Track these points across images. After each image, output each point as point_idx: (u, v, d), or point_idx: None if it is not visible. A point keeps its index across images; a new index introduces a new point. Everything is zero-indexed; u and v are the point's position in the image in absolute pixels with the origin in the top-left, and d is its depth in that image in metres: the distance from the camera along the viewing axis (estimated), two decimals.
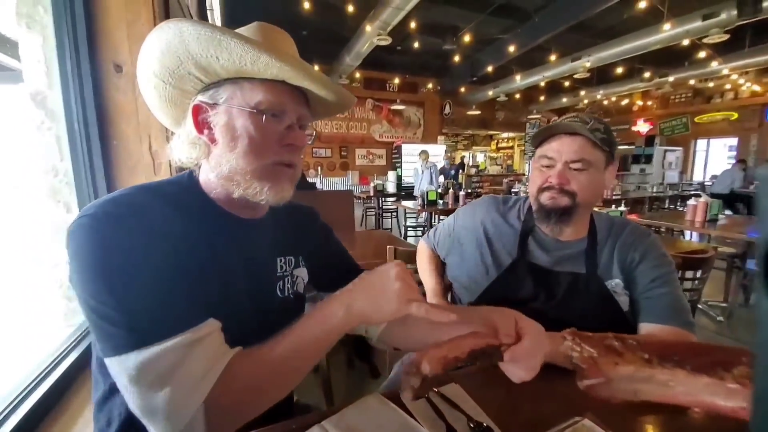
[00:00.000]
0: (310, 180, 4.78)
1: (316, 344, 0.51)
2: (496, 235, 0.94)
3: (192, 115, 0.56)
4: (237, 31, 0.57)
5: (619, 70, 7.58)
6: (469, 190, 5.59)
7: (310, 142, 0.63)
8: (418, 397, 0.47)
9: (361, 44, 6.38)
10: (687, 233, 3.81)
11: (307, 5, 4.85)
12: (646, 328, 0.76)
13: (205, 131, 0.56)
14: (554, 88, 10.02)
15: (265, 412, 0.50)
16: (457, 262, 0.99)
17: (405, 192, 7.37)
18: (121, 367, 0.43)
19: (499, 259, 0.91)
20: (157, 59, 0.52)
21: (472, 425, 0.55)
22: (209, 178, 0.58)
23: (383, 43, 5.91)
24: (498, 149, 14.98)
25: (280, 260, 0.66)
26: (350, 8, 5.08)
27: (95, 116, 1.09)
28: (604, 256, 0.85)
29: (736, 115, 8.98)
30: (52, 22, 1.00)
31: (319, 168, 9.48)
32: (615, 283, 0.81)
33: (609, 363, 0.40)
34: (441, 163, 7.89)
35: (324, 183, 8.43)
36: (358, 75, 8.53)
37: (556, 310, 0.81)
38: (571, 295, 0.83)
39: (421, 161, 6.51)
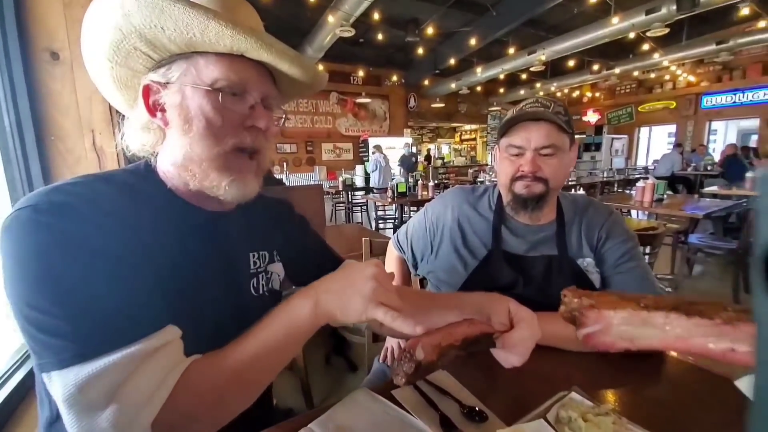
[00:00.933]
0: (276, 177, 4.62)
1: (281, 346, 0.47)
2: (470, 228, 0.94)
3: (143, 97, 0.50)
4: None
5: (571, 63, 7.99)
6: (437, 182, 5.69)
7: (279, 125, 0.57)
8: (410, 383, 0.46)
9: (323, 36, 6.23)
10: (633, 213, 4.12)
11: None
12: None
13: (158, 114, 0.50)
14: (512, 81, 10.39)
15: (244, 420, 0.46)
16: (432, 257, 0.98)
17: (377, 188, 7.33)
18: (60, 385, 0.37)
19: (475, 250, 0.91)
20: (99, 36, 0.47)
21: (464, 410, 0.55)
22: (167, 167, 0.52)
23: (346, 34, 5.80)
24: (462, 141, 15.34)
25: (253, 256, 0.62)
26: None
27: (29, 110, 0.96)
28: (573, 237, 0.88)
29: (674, 104, 9.78)
30: None
31: (285, 164, 9.19)
32: (587, 262, 0.84)
33: (607, 306, 0.41)
34: (398, 155, 8.07)
35: (290, 180, 8.18)
36: (321, 68, 8.29)
37: (535, 293, 0.83)
38: (547, 277, 0.85)
39: (378, 155, 6.95)
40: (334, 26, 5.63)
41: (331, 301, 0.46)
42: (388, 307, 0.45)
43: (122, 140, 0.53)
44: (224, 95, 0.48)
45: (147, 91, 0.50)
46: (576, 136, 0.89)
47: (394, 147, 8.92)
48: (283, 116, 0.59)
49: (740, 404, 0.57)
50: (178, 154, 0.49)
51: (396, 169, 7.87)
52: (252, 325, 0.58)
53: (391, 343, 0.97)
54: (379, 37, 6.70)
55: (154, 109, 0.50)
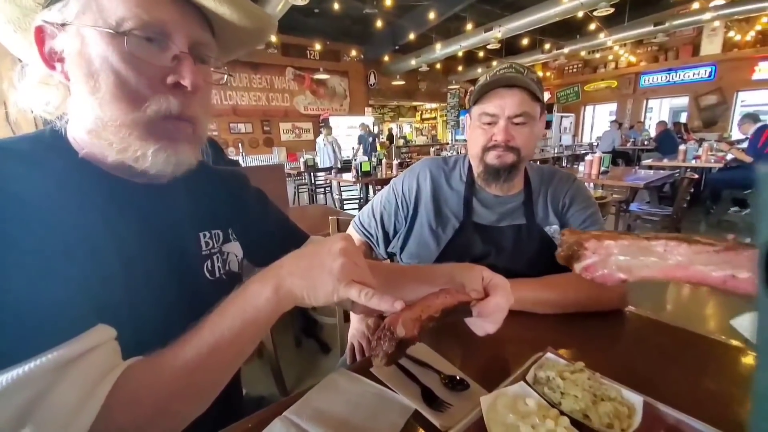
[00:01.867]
0: (231, 158, 4.34)
1: (237, 339, 0.39)
2: (442, 200, 0.93)
3: (36, 43, 0.40)
4: None
5: (525, 42, 8.18)
6: (400, 161, 5.69)
7: (222, 82, 0.47)
8: (392, 362, 0.44)
9: (274, 3, 5.80)
10: None
11: None
12: None
13: (57, 65, 0.41)
14: (470, 59, 10.47)
15: (210, 414, 0.40)
16: (404, 231, 0.96)
17: (342, 165, 7.18)
18: None
19: (447, 223, 0.90)
20: None
21: (445, 381, 0.55)
22: (78, 133, 0.43)
23: (300, 2, 5.44)
24: (423, 120, 15.39)
25: (204, 236, 0.55)
26: None
27: None
28: (539, 205, 0.90)
29: (616, 84, 10.44)
30: None
31: (240, 145, 8.67)
32: (554, 229, 0.87)
33: (607, 236, 0.41)
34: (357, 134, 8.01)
35: (247, 162, 7.73)
36: (274, 39, 7.81)
37: (507, 262, 0.84)
38: (517, 246, 0.86)
39: (323, 136, 7.01)
40: None
41: (296, 283, 0.40)
42: (362, 285, 0.40)
43: (18, 98, 0.43)
44: (134, 40, 0.38)
45: (40, 34, 0.40)
46: None
47: (354, 126, 8.70)
48: (226, 73, 0.49)
49: (701, 354, 0.62)
50: (88, 118, 0.40)
51: (349, 150, 7.80)
52: (204, 309, 0.52)
53: (356, 339, 0.95)
54: (336, 7, 6.38)
55: (50, 58, 0.41)
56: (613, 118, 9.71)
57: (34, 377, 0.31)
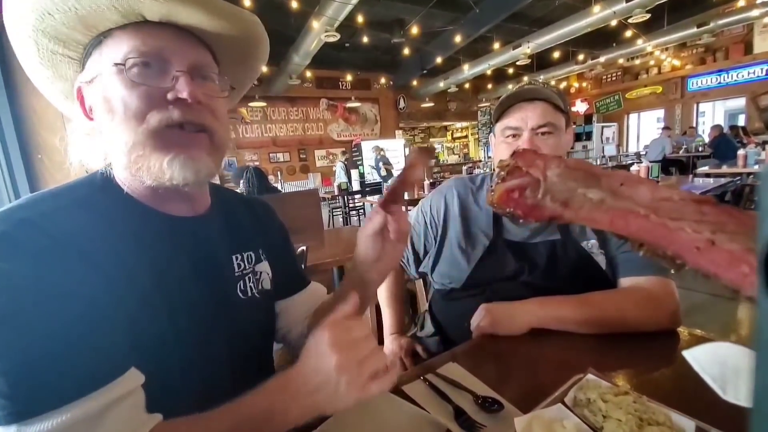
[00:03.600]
0: (272, 185, 4.61)
1: None
2: (471, 219, 0.92)
3: (79, 103, 0.47)
4: None
5: (556, 54, 8.04)
6: (432, 180, 5.70)
7: (224, 95, 0.50)
8: None
9: (309, 42, 6.23)
10: None
11: (248, 2, 4.64)
12: (627, 281, 0.78)
13: (92, 113, 0.47)
14: (500, 76, 10.43)
15: None
16: (434, 252, 0.97)
17: (369, 188, 7.36)
18: None
19: (477, 242, 0.90)
20: (24, 52, 0.45)
21: (478, 401, 0.53)
22: (119, 170, 0.48)
23: (331, 39, 5.80)
24: (454, 139, 15.37)
25: (236, 258, 0.58)
26: (294, 4, 4.93)
27: (13, 128, 0.94)
28: None
29: (660, 89, 9.86)
30: None
31: (279, 173, 9.16)
32: (591, 244, 0.83)
33: (546, 157, 0.31)
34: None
35: (285, 188, 8.14)
36: (309, 74, 8.32)
37: (543, 279, 0.82)
38: (552, 262, 0.83)
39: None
40: (319, 32, 5.63)
41: (319, 403, 0.39)
42: (376, 375, 0.38)
43: (71, 155, 0.49)
44: (133, 68, 0.43)
45: (80, 95, 0.47)
46: None
47: (387, 149, 8.99)
48: (228, 87, 0.52)
49: None
50: (114, 149, 0.45)
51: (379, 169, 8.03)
52: (244, 329, 0.55)
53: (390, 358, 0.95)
54: (365, 40, 6.72)
55: (89, 112, 0.47)
56: (662, 124, 9.12)
57: (74, 419, 0.34)
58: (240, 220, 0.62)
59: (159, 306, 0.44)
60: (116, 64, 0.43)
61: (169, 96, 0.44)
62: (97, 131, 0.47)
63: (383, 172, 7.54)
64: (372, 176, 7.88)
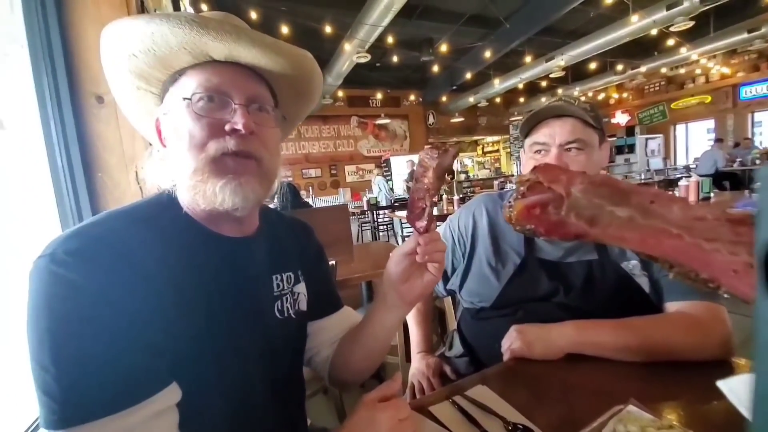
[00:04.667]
0: (305, 200, 4.76)
1: None
2: (501, 236, 0.90)
3: (156, 133, 0.53)
4: None
5: (593, 65, 7.80)
6: (461, 195, 5.63)
7: (276, 126, 0.55)
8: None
9: (341, 64, 6.48)
10: None
11: (285, 30, 4.94)
12: (673, 306, 0.73)
13: (166, 141, 0.53)
14: (532, 89, 10.27)
15: None
16: (463, 269, 0.95)
17: (398, 203, 7.39)
18: None
19: (507, 259, 0.87)
20: (121, 91, 0.53)
21: (509, 427, 0.51)
22: (182, 192, 0.52)
23: (363, 60, 6.01)
24: (484, 153, 15.17)
25: (276, 278, 0.60)
26: (327, 29, 5.17)
27: (78, 149, 1.05)
28: None
29: (709, 98, 9.24)
30: (29, 58, 0.97)
31: (310, 188, 9.46)
32: (632, 265, 0.78)
33: (570, 172, 0.30)
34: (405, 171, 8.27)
35: (316, 203, 8.38)
36: (341, 94, 8.64)
37: (579, 300, 0.78)
38: (589, 283, 0.79)
39: (374, 176, 7.53)
40: (351, 54, 5.85)
41: None
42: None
43: (147, 179, 0.56)
44: (199, 102, 0.48)
45: (158, 125, 0.53)
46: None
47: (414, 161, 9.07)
48: (280, 117, 0.57)
49: None
50: (178, 174, 0.50)
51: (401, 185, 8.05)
52: (278, 348, 0.57)
53: (416, 378, 0.94)
54: (395, 59, 6.89)
55: (164, 140, 0.53)
56: (712, 136, 8.51)
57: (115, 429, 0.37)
58: (282, 241, 0.64)
59: (201, 322, 0.47)
60: (185, 99, 0.48)
61: (227, 127, 0.48)
62: (168, 157, 0.52)
63: (409, 185, 7.57)
64: (403, 190, 7.86)
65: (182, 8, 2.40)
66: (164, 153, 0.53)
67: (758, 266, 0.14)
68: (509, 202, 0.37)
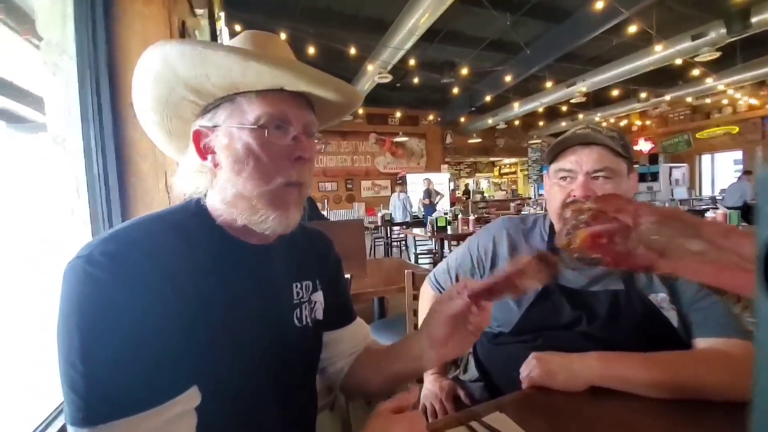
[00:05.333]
0: (322, 213, 4.81)
1: None
2: None
3: (194, 142, 0.52)
4: (227, 43, 0.54)
5: (615, 92, 7.75)
6: (477, 216, 5.59)
7: (321, 149, 0.58)
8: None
9: (363, 83, 6.66)
10: None
11: (312, 50, 5.14)
12: (703, 343, 0.69)
13: (209, 156, 0.52)
14: (552, 113, 10.24)
15: None
16: None
17: (412, 220, 7.38)
18: None
19: None
20: (149, 92, 0.50)
21: None
22: (215, 203, 0.53)
23: (384, 80, 6.16)
24: (501, 175, 15.10)
25: (296, 286, 0.61)
26: (352, 51, 5.36)
27: (114, 155, 1.11)
28: None
29: (737, 129, 9.01)
30: (75, 68, 1.04)
31: (326, 201, 9.57)
32: (661, 297, 0.75)
33: (635, 203, 0.30)
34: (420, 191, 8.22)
35: (331, 216, 8.46)
36: (361, 111, 8.84)
37: (603, 331, 0.75)
38: (614, 314, 0.76)
39: (396, 193, 7.40)
40: (373, 74, 6.02)
41: None
42: None
43: (176, 185, 0.55)
44: (270, 131, 0.49)
45: (197, 136, 0.52)
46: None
47: (437, 182, 9.05)
48: (323, 141, 0.60)
49: None
50: (228, 193, 0.50)
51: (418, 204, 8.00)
52: (295, 356, 0.57)
53: (429, 400, 0.91)
54: (416, 80, 7.03)
55: (204, 152, 0.52)
56: (739, 167, 8.24)
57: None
58: (302, 249, 0.65)
59: (222, 327, 0.48)
60: (253, 124, 0.49)
61: (293, 154, 0.50)
62: (209, 170, 0.52)
63: (425, 203, 7.49)
64: (417, 209, 7.79)
65: (218, 30, 2.53)
66: (200, 164, 0.53)
67: (758, 266, 0.15)
68: (566, 230, 0.37)
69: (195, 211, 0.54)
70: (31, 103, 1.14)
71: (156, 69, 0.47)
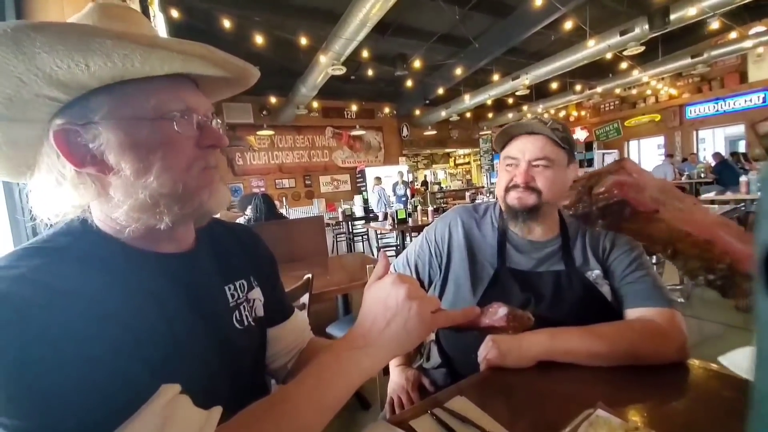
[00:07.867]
0: (280, 212, 4.66)
1: (339, 403, 0.44)
2: (476, 248, 0.93)
3: (58, 147, 0.42)
4: (70, 21, 0.44)
5: (554, 85, 8.31)
6: (435, 206, 5.74)
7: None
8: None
9: (315, 75, 6.51)
10: None
11: (260, 40, 4.91)
12: (632, 313, 0.78)
13: (89, 160, 0.42)
14: (500, 105, 10.75)
15: None
16: (439, 281, 0.97)
17: (373, 214, 7.43)
18: None
19: (483, 271, 0.90)
20: None
21: None
22: (111, 217, 0.45)
23: (338, 73, 6.06)
24: (456, 165, 15.61)
25: (229, 288, 0.57)
26: (303, 41, 5.20)
27: None
28: (578, 250, 0.88)
29: (659, 117, 10.07)
30: None
31: (284, 199, 9.29)
32: (596, 275, 0.83)
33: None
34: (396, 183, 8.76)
35: (290, 213, 8.22)
36: (316, 105, 8.63)
37: (549, 310, 0.82)
38: (558, 293, 0.84)
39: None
40: (326, 66, 5.90)
41: (393, 350, 0.46)
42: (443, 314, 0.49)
43: (39, 212, 0.45)
44: (177, 120, 0.44)
45: (62, 138, 0.42)
46: None
47: (390, 176, 9.20)
48: (223, 123, 0.54)
49: None
50: (140, 198, 0.43)
51: (393, 197, 8.44)
52: (240, 358, 0.55)
53: (396, 393, 0.94)
54: (370, 73, 7.00)
55: (79, 157, 0.42)
56: (662, 151, 9.23)
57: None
58: (228, 249, 0.62)
59: (161, 348, 0.43)
60: (155, 115, 0.43)
61: (205, 143, 0.47)
62: (94, 179, 0.43)
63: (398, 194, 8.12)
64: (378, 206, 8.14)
65: (151, 14, 2.33)
66: (81, 175, 0.43)
67: (758, 266, 0.16)
68: (581, 187, 0.53)
69: (83, 232, 0.45)
70: None
71: (7, 62, 0.35)
